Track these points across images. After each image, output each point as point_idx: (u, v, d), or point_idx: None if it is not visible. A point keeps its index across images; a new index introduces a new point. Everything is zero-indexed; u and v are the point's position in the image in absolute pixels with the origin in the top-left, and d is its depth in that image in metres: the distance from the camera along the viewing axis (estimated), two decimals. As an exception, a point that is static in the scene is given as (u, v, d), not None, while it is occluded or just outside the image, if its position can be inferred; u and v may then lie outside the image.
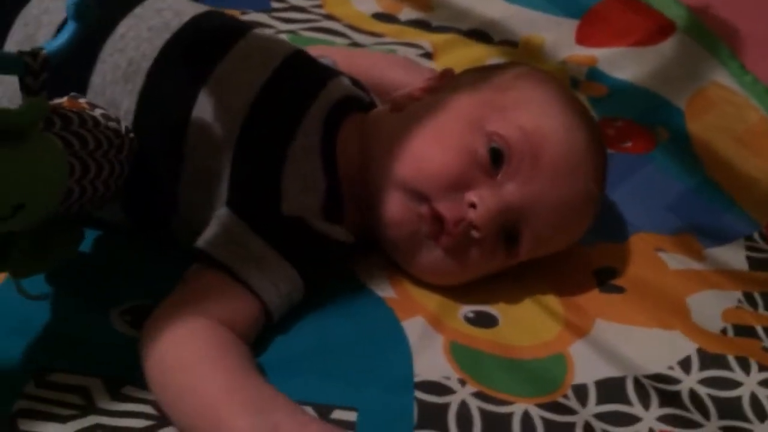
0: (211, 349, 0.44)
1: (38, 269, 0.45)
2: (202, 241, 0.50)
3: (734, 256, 0.65)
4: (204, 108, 0.51)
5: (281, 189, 0.52)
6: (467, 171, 0.52)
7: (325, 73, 0.58)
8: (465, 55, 0.89)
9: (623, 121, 0.82)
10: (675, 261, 0.63)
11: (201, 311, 0.46)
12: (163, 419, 0.44)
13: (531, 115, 0.53)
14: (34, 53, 0.40)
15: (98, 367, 0.46)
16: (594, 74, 0.90)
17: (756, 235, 0.68)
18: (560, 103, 0.55)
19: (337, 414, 0.46)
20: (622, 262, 0.62)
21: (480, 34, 0.95)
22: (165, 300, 0.47)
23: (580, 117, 0.55)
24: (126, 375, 0.45)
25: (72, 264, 0.48)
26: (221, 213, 0.51)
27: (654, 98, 0.87)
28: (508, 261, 0.55)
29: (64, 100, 0.46)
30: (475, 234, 0.51)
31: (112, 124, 0.47)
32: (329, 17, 0.93)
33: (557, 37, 0.95)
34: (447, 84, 0.59)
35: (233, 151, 0.51)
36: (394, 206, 0.53)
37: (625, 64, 0.91)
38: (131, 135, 0.49)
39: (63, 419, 0.42)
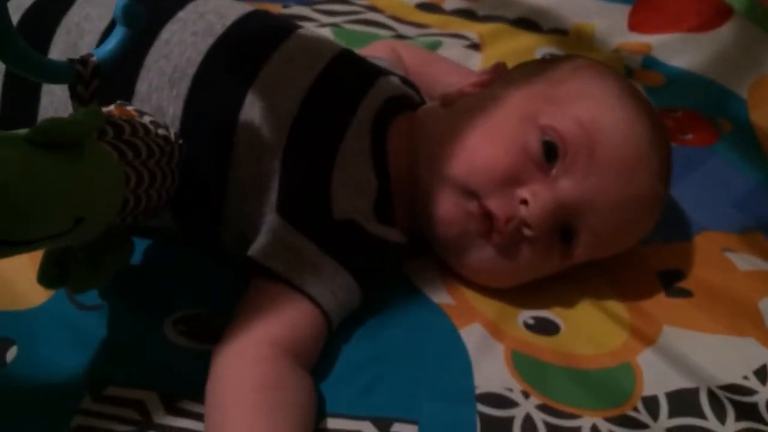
0: (259, 389, 0.42)
1: (95, 283, 0.44)
2: (254, 252, 0.49)
3: None
4: (250, 112, 0.49)
5: (331, 193, 0.50)
6: (519, 166, 0.49)
7: (373, 72, 0.56)
8: (513, 45, 0.87)
9: (683, 112, 0.79)
10: (744, 261, 0.60)
11: (265, 331, 0.45)
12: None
13: (588, 108, 0.51)
14: (84, 60, 0.39)
15: (154, 380, 0.45)
16: (649, 62, 0.86)
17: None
18: (620, 95, 0.52)
19: (398, 427, 0.44)
20: (688, 264, 0.59)
21: (528, 22, 0.92)
22: (232, 321, 0.46)
23: (641, 110, 0.52)
24: (182, 389, 0.45)
25: (124, 274, 0.47)
26: (271, 220, 0.49)
27: (714, 87, 0.83)
28: (564, 262, 0.52)
29: (112, 108, 0.45)
30: (527, 232, 0.49)
31: (161, 131, 0.46)
32: (372, 8, 0.91)
33: (609, 23, 0.92)
34: (499, 78, 0.57)
35: (281, 156, 0.50)
36: (444, 204, 0.51)
37: (681, 51, 0.87)
38: (180, 141, 0.48)
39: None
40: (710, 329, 0.54)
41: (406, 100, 0.57)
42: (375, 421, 0.44)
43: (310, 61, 0.53)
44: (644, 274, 0.58)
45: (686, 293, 0.57)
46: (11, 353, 0.45)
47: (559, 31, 0.91)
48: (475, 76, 0.63)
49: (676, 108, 0.79)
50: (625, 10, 0.93)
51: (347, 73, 0.54)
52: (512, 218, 0.49)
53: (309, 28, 0.58)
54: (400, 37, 0.86)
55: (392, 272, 0.53)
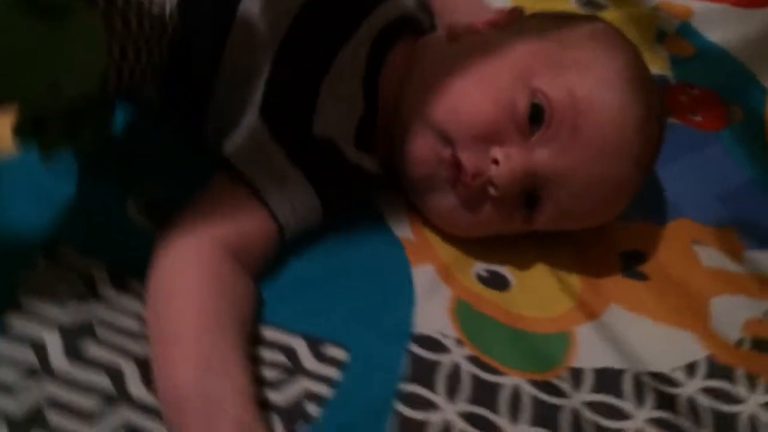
0: (204, 288, 0.43)
1: (68, 148, 0.45)
2: (227, 147, 0.49)
3: None
4: (251, 3, 0.48)
5: (317, 105, 0.50)
6: (501, 123, 0.49)
7: None
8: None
9: (700, 90, 0.77)
10: (710, 257, 0.60)
11: (213, 232, 0.45)
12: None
13: (587, 82, 0.49)
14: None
15: (107, 253, 0.46)
16: (685, 30, 0.83)
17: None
18: (625, 75, 0.51)
19: (328, 349, 0.46)
20: (654, 248, 0.60)
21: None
22: (184, 211, 0.47)
23: (639, 94, 0.51)
24: (132, 268, 0.46)
25: (101, 144, 0.47)
26: (251, 120, 0.49)
27: (741, 71, 0.80)
28: (525, 226, 0.53)
29: None
30: (491, 191, 0.49)
31: (155, 8, 0.45)
32: None
33: None
34: (512, 24, 0.55)
35: (274, 54, 0.49)
36: (418, 142, 0.51)
37: (721, 23, 0.83)
38: (174, 21, 0.47)
39: (63, 303, 0.43)
40: (655, 316, 0.55)
41: (414, 24, 0.56)
42: (307, 339, 0.46)
43: None
44: (607, 250, 0.58)
45: (642, 276, 0.57)
46: None
47: (603, -26, 0.87)
48: (491, 14, 0.61)
49: (694, 85, 0.77)
50: None
51: None
52: (480, 174, 0.49)
53: None
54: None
55: (359, 199, 0.53)
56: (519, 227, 0.53)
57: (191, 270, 0.43)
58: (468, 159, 0.49)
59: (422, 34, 0.56)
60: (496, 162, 0.48)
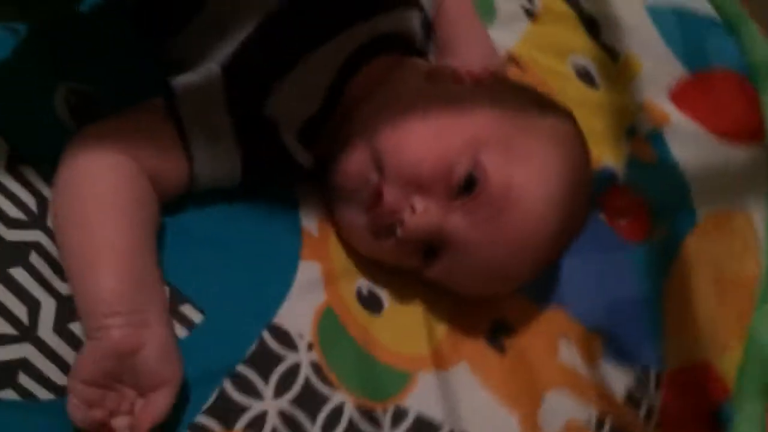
0: (125, 199, 0.44)
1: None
2: (176, 83, 0.49)
3: (619, 378, 0.66)
4: None
5: (278, 86, 0.50)
6: (434, 179, 0.50)
7: (395, 1, 0.55)
8: (560, 35, 0.84)
9: (638, 200, 0.80)
10: (569, 354, 0.64)
11: (134, 151, 0.46)
12: (36, 219, 0.45)
13: (527, 176, 0.51)
14: None
15: (13, 133, 0.46)
16: (654, 137, 0.84)
17: (652, 373, 0.69)
18: (564, 183, 0.53)
19: (186, 309, 0.48)
20: (524, 326, 0.63)
21: (593, 23, 0.89)
22: (109, 118, 0.47)
23: (569, 207, 0.53)
24: (32, 156, 0.46)
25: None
26: (213, 69, 0.50)
27: (685, 194, 0.83)
28: (417, 270, 0.55)
29: None
30: (398, 232, 0.51)
31: None
32: None
33: (657, 74, 0.88)
34: (493, 85, 0.56)
35: (261, 21, 0.50)
36: (355, 158, 0.52)
37: (689, 143, 0.85)
38: None
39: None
40: (495, 391, 0.58)
41: (408, 43, 0.56)
42: (172, 290, 0.48)
43: None
44: (481, 312, 0.61)
45: (502, 349, 0.61)
46: None
47: (610, 51, 0.88)
48: (489, 59, 0.62)
49: (638, 194, 0.80)
50: (681, 73, 0.91)
51: None
52: (394, 213, 0.51)
53: None
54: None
55: (282, 180, 0.55)
56: (411, 268, 0.55)
57: (114, 178, 0.45)
58: (389, 195, 0.50)
59: (412, 54, 0.57)
60: (413, 209, 0.50)
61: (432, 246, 0.53)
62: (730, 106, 0.91)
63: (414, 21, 0.57)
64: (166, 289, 0.48)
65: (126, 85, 0.51)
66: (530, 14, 0.83)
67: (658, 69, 0.89)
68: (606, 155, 0.80)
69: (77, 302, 0.43)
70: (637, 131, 0.84)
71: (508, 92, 0.56)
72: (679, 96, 0.89)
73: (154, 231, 0.46)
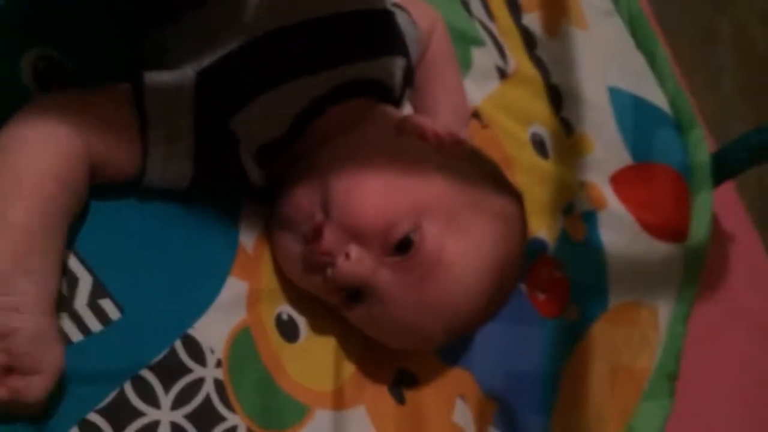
0: (49, 181, 0.43)
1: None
2: (150, 77, 0.48)
3: None
4: None
5: (248, 105, 0.50)
6: (374, 233, 0.51)
7: (385, 48, 0.56)
8: (523, 102, 0.86)
9: (561, 276, 0.83)
10: (462, 416, 0.66)
11: (87, 132, 0.45)
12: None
13: (463, 248, 0.53)
14: None
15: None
16: (589, 217, 0.88)
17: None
18: (495, 265, 0.54)
19: (105, 303, 0.47)
20: (426, 381, 0.64)
21: (557, 93, 0.91)
22: (74, 90, 0.46)
23: (496, 288, 0.55)
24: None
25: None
26: (187, 73, 0.49)
27: (602, 280, 0.87)
28: (339, 307, 0.56)
29: None
30: (328, 272, 0.52)
31: None
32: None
33: (605, 158, 0.92)
34: (454, 151, 0.57)
35: (247, 40, 0.50)
36: (304, 192, 0.53)
37: (618, 231, 0.89)
38: None
39: None
40: (381, 433, 0.60)
41: (385, 90, 0.57)
42: (95, 282, 0.47)
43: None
44: (390, 359, 0.62)
45: (401, 399, 0.62)
46: None
47: (567, 125, 0.91)
48: (460, 122, 0.63)
49: (563, 271, 0.83)
50: (625, 160, 0.94)
51: (362, 31, 0.54)
52: (327, 254, 0.51)
53: None
54: (467, 11, 0.83)
55: (227, 193, 0.55)
56: (333, 305, 0.56)
57: (48, 151, 0.43)
58: (329, 236, 0.51)
59: (387, 101, 0.58)
60: (347, 255, 0.51)
61: (357, 291, 0.54)
62: (663, 200, 0.96)
63: (396, 69, 0.58)
64: (89, 279, 0.47)
65: (98, 61, 0.50)
66: (502, 74, 0.85)
67: (606, 153, 0.93)
68: (541, 226, 0.83)
69: None
70: (575, 209, 0.88)
71: (467, 162, 0.57)
72: (619, 180, 0.94)
73: (66, 220, 0.44)
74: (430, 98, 0.65)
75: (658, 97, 1.02)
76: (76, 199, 0.45)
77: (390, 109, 0.58)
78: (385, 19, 0.57)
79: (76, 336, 0.45)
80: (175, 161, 0.49)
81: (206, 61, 0.49)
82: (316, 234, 0.52)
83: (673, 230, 0.94)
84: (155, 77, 0.48)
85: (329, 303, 0.56)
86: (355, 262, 0.51)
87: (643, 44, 1.04)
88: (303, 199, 0.53)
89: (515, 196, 0.59)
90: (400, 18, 0.60)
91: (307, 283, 0.55)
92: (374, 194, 0.52)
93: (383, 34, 0.57)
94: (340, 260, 0.51)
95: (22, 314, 0.40)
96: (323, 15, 0.52)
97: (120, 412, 0.46)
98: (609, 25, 1.02)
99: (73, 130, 0.45)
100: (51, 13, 0.49)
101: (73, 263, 0.46)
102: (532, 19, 0.93)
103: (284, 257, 0.55)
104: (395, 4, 0.62)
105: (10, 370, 0.40)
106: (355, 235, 0.51)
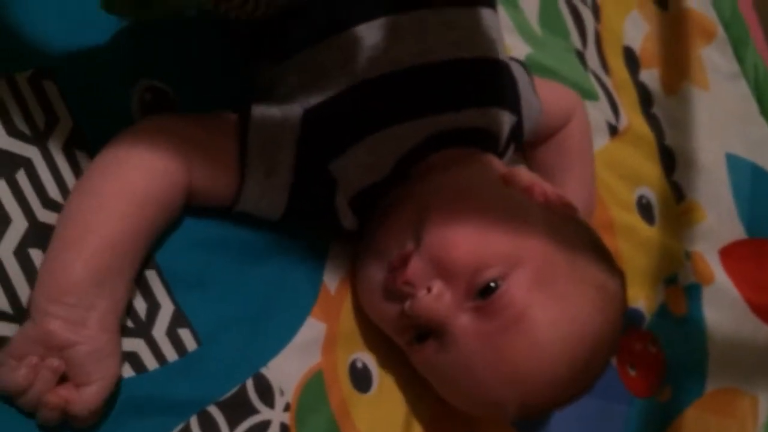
0: (145, 201, 0.43)
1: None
2: (255, 110, 0.48)
3: None
4: (367, 32, 0.48)
5: (352, 149, 0.49)
6: (461, 272, 0.48)
7: (491, 99, 0.54)
8: (635, 163, 0.82)
9: (657, 352, 0.78)
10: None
11: (188, 157, 0.45)
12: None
13: (550, 312, 0.48)
14: None
15: (83, 113, 0.45)
16: (693, 291, 0.83)
17: None
18: (587, 340, 0.50)
19: (184, 334, 0.47)
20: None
21: (670, 157, 0.86)
22: (181, 115, 0.47)
23: (584, 363, 0.51)
24: (93, 141, 0.45)
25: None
26: (296, 111, 0.49)
27: (701, 359, 0.81)
28: (405, 348, 0.53)
29: None
30: (407, 304, 0.50)
31: None
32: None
33: (716, 230, 0.86)
34: (560, 214, 0.53)
35: (354, 84, 0.49)
36: (398, 222, 0.51)
37: (725, 309, 0.84)
38: None
39: (11, 128, 0.43)
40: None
41: (490, 140, 0.55)
42: (176, 311, 0.46)
43: (458, 40, 0.51)
44: (462, 424, 0.59)
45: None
46: None
47: (678, 190, 0.86)
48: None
49: (659, 346, 0.78)
50: (738, 233, 0.88)
51: (477, 79, 0.53)
52: (409, 285, 0.49)
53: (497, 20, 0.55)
54: (581, 56, 0.80)
55: (316, 230, 0.54)
56: (401, 342, 0.53)
57: (148, 172, 0.44)
58: (415, 267, 0.49)
59: (489, 152, 0.56)
60: (429, 290, 0.49)
61: (429, 331, 0.51)
62: (771, 283, 0.89)
63: (504, 122, 0.55)
64: (171, 307, 0.46)
65: (205, 94, 0.50)
66: (613, 130, 0.81)
67: (719, 225, 0.88)
68: (639, 296, 0.78)
69: (40, 270, 0.41)
70: (678, 281, 0.82)
71: (572, 228, 0.53)
72: (730, 254, 0.88)
73: (151, 242, 0.44)
74: (561, 187, 0.62)
75: (779, 168, 0.96)
76: (167, 221, 0.45)
77: (495, 159, 0.56)
78: (498, 70, 0.55)
79: (151, 364, 0.45)
80: (270, 195, 0.49)
81: (315, 99, 0.49)
82: (403, 262, 0.49)
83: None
84: (263, 110, 0.48)
85: (397, 339, 0.54)
86: (436, 297, 0.48)
87: (767, 110, 0.98)
88: (396, 227, 0.51)
89: (618, 273, 0.54)
90: (521, 80, 0.58)
91: (382, 313, 0.52)
92: (471, 232, 0.49)
93: (493, 85, 0.55)
94: (421, 293, 0.49)
95: (86, 329, 0.40)
96: (436, 61, 0.50)
97: (181, 446, 0.45)
98: (733, 88, 0.96)
99: (175, 153, 0.45)
100: (161, 46, 0.49)
101: (157, 288, 0.46)
102: (651, 76, 0.89)
103: (365, 285, 0.53)
104: (524, 68, 0.60)
105: (64, 379, 0.40)
106: (443, 270, 0.49)
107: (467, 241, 0.49)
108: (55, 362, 0.40)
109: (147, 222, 0.43)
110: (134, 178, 0.43)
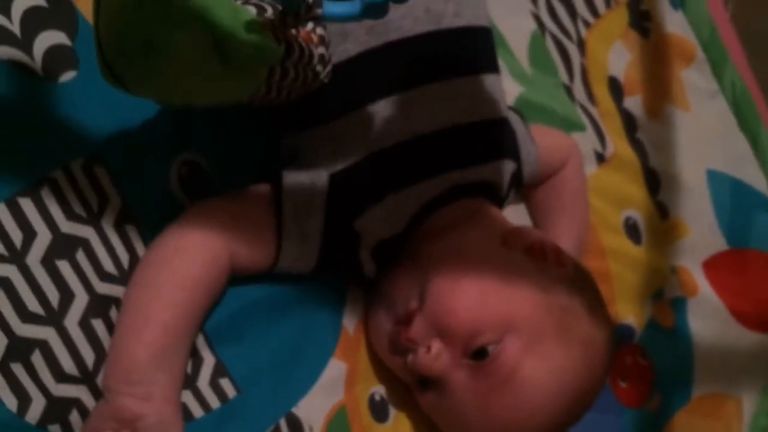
0: (195, 286, 0.48)
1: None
2: (287, 178, 0.53)
3: None
4: (382, 108, 0.54)
5: (372, 207, 0.55)
6: (458, 335, 0.54)
7: (497, 153, 0.60)
8: (622, 187, 0.87)
9: (646, 364, 0.83)
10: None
11: (229, 238, 0.51)
12: (125, 275, 0.50)
13: (539, 371, 0.54)
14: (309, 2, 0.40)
15: (130, 193, 0.50)
16: (678, 304, 0.88)
17: None
18: (570, 392, 0.55)
19: (225, 382, 0.52)
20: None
21: (654, 176, 0.91)
22: (218, 199, 0.52)
23: (567, 412, 0.56)
24: (142, 223, 0.50)
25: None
26: (322, 177, 0.54)
27: (687, 367, 0.87)
28: (413, 388, 0.59)
29: (303, 29, 0.47)
30: (409, 357, 0.56)
31: (319, 67, 0.49)
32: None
33: (699, 244, 0.91)
34: (555, 272, 0.58)
35: (374, 150, 0.54)
36: (406, 280, 0.57)
37: (709, 320, 0.89)
38: (325, 79, 0.51)
39: (70, 214, 0.48)
40: None
41: (493, 191, 0.61)
42: (218, 363, 0.52)
43: (465, 108, 0.56)
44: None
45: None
46: (68, 75, 0.49)
47: (662, 209, 0.92)
48: (572, 246, 0.66)
49: (648, 358, 0.84)
50: (720, 245, 0.93)
51: (483, 138, 0.59)
52: (410, 342, 0.55)
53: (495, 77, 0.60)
54: (568, 90, 0.86)
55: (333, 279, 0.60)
56: (408, 384, 0.60)
57: (195, 260, 0.49)
58: (417, 327, 0.55)
59: (493, 200, 0.61)
60: (429, 349, 0.55)
61: (430, 380, 0.57)
62: (756, 288, 0.94)
63: (506, 172, 0.61)
64: (212, 360, 0.52)
65: (236, 161, 0.55)
66: (600, 158, 0.86)
67: (701, 238, 0.92)
68: (629, 312, 0.84)
69: (108, 355, 0.47)
70: (664, 295, 0.88)
71: (565, 282, 0.58)
72: (712, 266, 0.93)
73: (202, 319, 0.50)
74: (555, 226, 0.69)
75: (758, 181, 1.01)
76: (215, 300, 0.51)
77: (498, 214, 0.62)
78: (502, 126, 0.61)
79: (198, 412, 0.51)
80: (303, 256, 0.55)
81: (338, 166, 0.54)
82: (407, 320, 0.55)
83: (765, 319, 0.93)
84: (293, 178, 0.53)
85: (404, 381, 0.60)
86: (434, 356, 0.54)
87: (746, 125, 1.02)
88: (404, 284, 0.57)
89: (606, 326, 0.59)
90: (519, 130, 0.64)
91: (389, 359, 0.59)
92: (467, 299, 0.55)
93: (499, 140, 0.61)
94: (422, 351, 0.54)
95: (152, 402, 0.46)
96: (444, 128, 0.56)
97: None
98: (712, 106, 1.01)
99: (219, 240, 0.50)
100: (195, 121, 0.54)
101: (201, 344, 0.52)
102: (634, 102, 0.94)
103: (374, 331, 0.59)
104: (520, 117, 0.66)
105: None
106: (442, 331, 0.55)
107: (464, 309, 0.55)
108: None
109: (197, 305, 0.49)
110: (184, 268, 0.48)
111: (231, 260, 0.51)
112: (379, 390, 0.61)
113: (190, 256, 0.49)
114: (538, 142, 0.67)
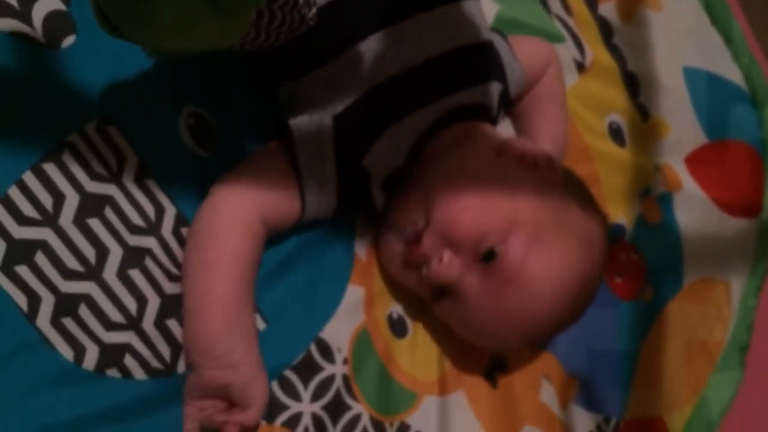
0: (240, 257, 0.52)
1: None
2: (295, 128, 0.56)
3: (582, 423, 0.76)
4: (372, 44, 0.56)
5: (376, 142, 0.58)
6: (466, 243, 0.58)
7: (481, 75, 0.62)
8: (603, 93, 0.90)
9: (638, 259, 0.88)
10: (547, 393, 0.74)
11: (260, 205, 0.54)
12: (153, 227, 0.52)
13: (544, 264, 0.58)
14: None
15: (146, 150, 0.53)
16: (664, 199, 0.92)
17: (612, 422, 0.79)
18: (573, 284, 0.59)
19: (256, 319, 0.56)
20: (515, 367, 0.72)
21: (633, 80, 0.94)
22: (239, 169, 0.55)
23: (575, 300, 0.61)
24: (159, 175, 0.53)
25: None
26: (326, 120, 0.57)
27: (677, 259, 0.91)
28: (429, 301, 0.63)
29: None
30: (423, 270, 0.60)
31: (305, 10, 0.50)
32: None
33: (681, 140, 0.94)
34: (547, 174, 0.62)
35: (368, 89, 0.57)
36: (411, 204, 0.60)
37: (695, 211, 0.92)
38: (311, 21, 0.52)
39: (92, 174, 0.50)
40: (482, 420, 0.68)
41: (485, 111, 0.64)
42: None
43: (447, 37, 0.59)
44: (485, 349, 0.70)
45: (494, 383, 0.70)
46: (69, 40, 0.50)
47: (643, 110, 0.95)
48: (557, 146, 0.69)
49: (639, 253, 0.88)
50: (700, 139, 0.96)
51: (472, 62, 0.61)
52: (423, 257, 0.59)
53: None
54: (544, 3, 0.87)
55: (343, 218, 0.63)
56: (424, 297, 0.64)
57: (235, 233, 0.53)
58: (427, 242, 0.58)
59: (486, 120, 0.64)
60: (441, 259, 0.59)
61: (444, 289, 0.61)
62: (737, 176, 0.98)
63: (495, 93, 0.64)
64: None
65: (237, 111, 0.58)
66: (580, 67, 0.89)
67: (682, 135, 0.96)
68: (618, 212, 0.88)
69: (184, 337, 0.51)
70: (651, 192, 0.92)
71: (558, 184, 0.62)
72: (694, 160, 0.96)
73: (254, 280, 0.54)
74: (534, 127, 0.72)
75: (733, 73, 1.03)
76: (259, 262, 0.55)
77: (490, 130, 0.65)
78: (487, 49, 0.63)
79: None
80: (324, 202, 0.58)
81: (339, 107, 0.57)
82: (417, 238, 0.59)
83: (747, 205, 0.97)
84: (299, 127, 0.56)
85: (421, 296, 0.64)
86: (446, 265, 0.58)
87: (718, 20, 1.04)
88: (410, 208, 0.60)
89: (599, 216, 0.63)
90: (503, 51, 0.66)
91: (404, 278, 0.63)
92: (470, 209, 0.58)
93: (486, 63, 0.63)
94: (434, 262, 0.58)
95: (234, 368, 0.50)
96: (433, 55, 0.58)
97: (270, 407, 0.55)
98: (684, 4, 1.03)
99: (252, 207, 0.54)
100: (194, 73, 0.56)
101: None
102: (609, 8, 0.96)
103: (387, 255, 0.63)
104: (502, 37, 0.68)
105: (232, 406, 0.51)
106: (450, 242, 0.58)
107: (468, 217, 0.58)
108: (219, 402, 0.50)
109: (246, 272, 0.53)
110: (226, 244, 0.52)
111: (264, 225, 0.54)
112: (396, 309, 0.66)
113: (228, 233, 0.52)
114: (519, 52, 0.69)
